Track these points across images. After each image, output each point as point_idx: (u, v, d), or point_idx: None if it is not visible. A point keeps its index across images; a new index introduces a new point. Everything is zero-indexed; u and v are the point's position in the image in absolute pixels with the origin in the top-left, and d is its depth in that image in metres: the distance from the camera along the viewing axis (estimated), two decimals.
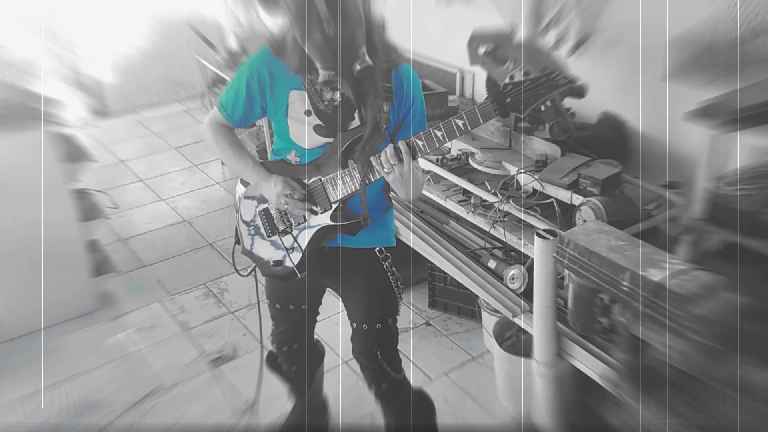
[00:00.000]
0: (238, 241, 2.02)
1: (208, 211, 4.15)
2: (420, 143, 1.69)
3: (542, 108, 1.63)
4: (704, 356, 1.46)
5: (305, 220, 1.87)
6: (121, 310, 3.18)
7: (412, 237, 2.87)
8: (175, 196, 4.35)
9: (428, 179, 2.73)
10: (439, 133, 1.67)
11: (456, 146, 2.70)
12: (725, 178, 1.69)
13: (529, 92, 1.60)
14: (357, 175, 1.77)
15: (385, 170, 1.71)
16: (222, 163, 4.64)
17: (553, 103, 2.38)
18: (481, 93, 2.97)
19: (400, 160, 1.69)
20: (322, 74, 1.64)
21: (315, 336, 2.27)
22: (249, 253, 2.00)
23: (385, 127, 1.76)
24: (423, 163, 2.74)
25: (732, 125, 1.65)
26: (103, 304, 3.18)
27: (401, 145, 1.69)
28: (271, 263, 1.94)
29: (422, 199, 2.98)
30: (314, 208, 1.85)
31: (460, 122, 1.65)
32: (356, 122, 1.79)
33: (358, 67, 1.62)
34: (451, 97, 3.00)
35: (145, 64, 5.59)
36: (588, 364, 2.11)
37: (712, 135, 1.78)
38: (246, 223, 1.97)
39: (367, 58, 1.63)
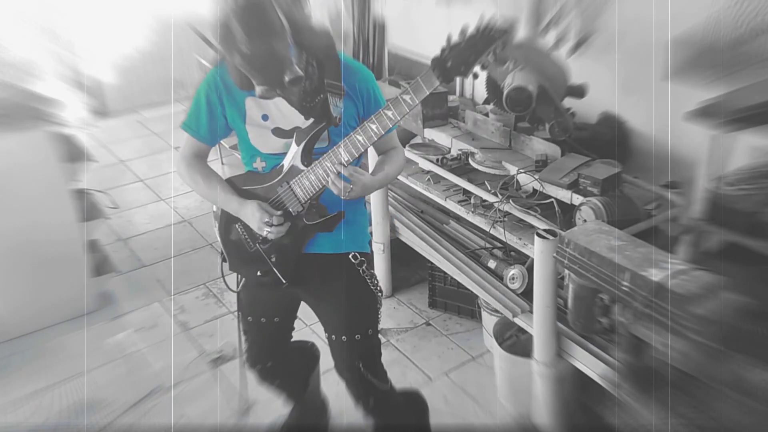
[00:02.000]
0: (224, 259, 2.01)
1: (208, 211, 4.12)
2: (358, 139, 1.66)
3: (482, 67, 1.57)
4: (704, 356, 1.46)
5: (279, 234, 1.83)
6: (121, 310, 3.18)
7: (411, 237, 2.88)
8: (175, 196, 4.34)
9: (428, 179, 2.73)
10: (389, 113, 1.63)
11: (456, 146, 2.70)
12: (725, 178, 1.69)
13: (467, 51, 1.55)
14: (321, 171, 1.73)
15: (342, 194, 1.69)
16: (222, 163, 4.64)
17: (553, 103, 2.40)
18: (481, 93, 2.97)
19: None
20: (258, 89, 1.62)
21: (310, 339, 2.24)
22: (237, 269, 1.99)
23: (338, 119, 1.73)
24: (423, 164, 2.74)
25: (732, 125, 1.65)
26: (103, 304, 3.18)
27: (341, 169, 1.68)
28: (259, 273, 1.90)
29: (422, 199, 2.98)
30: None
31: (407, 97, 1.61)
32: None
33: (287, 78, 1.58)
34: (451, 97, 3.00)
35: (145, 64, 5.59)
36: (588, 364, 2.11)
37: (712, 135, 1.78)
38: (227, 241, 1.96)
39: (296, 68, 1.59)
